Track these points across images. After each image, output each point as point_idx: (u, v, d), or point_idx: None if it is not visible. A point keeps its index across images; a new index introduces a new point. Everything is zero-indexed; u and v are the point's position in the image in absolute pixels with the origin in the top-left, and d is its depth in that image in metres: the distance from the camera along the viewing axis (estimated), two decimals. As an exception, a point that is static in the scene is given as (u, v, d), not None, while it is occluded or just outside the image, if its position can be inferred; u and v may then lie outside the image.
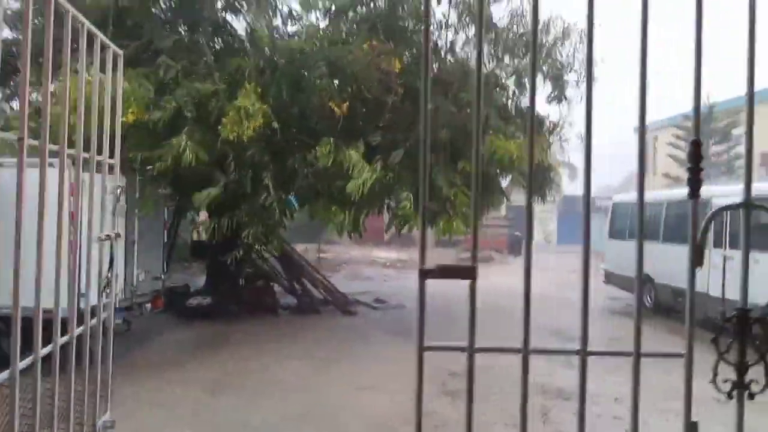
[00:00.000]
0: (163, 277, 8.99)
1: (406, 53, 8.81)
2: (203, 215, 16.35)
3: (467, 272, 1.62)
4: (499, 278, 19.07)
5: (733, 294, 10.00)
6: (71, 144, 2.11)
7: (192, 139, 7.39)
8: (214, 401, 6.26)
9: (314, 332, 10.04)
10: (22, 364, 1.79)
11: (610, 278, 14.84)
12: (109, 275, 2.51)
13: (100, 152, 2.36)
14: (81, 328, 2.24)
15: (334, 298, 12.56)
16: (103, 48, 2.35)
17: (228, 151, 7.93)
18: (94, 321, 2.37)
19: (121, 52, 2.52)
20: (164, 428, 5.29)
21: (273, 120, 7.78)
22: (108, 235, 2.45)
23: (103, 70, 2.35)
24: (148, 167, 7.43)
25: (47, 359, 1.96)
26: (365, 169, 7.86)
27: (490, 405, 6.35)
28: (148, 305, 8.47)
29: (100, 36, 2.23)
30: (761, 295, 8.91)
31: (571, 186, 19.93)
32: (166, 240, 9.30)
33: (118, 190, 2.57)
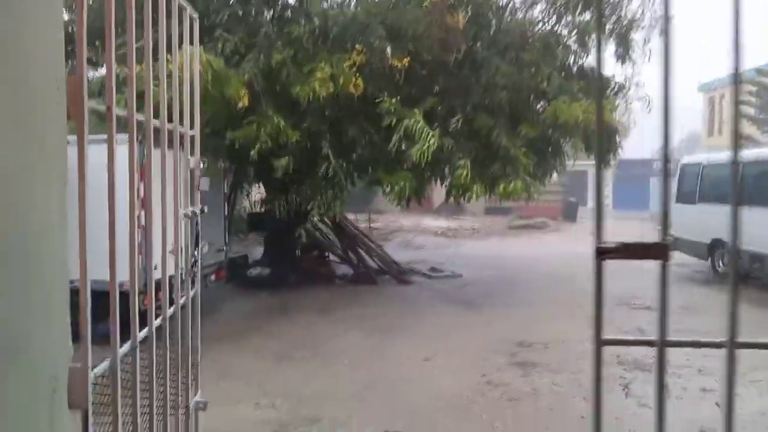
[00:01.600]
0: (225, 248, 9.11)
1: (461, 15, 8.36)
2: (257, 189, 16.66)
3: (658, 251, 1.33)
4: (558, 246, 18.65)
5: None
6: (155, 115, 1.99)
7: (280, 116, 7.37)
8: (283, 371, 6.33)
9: (373, 302, 10.02)
10: (121, 351, 1.70)
11: (676, 244, 14.12)
12: (196, 253, 2.43)
13: (182, 124, 2.25)
14: (173, 308, 2.17)
15: (389, 267, 12.50)
16: (179, 11, 2.20)
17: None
18: (183, 300, 2.30)
19: (196, 15, 2.37)
20: (241, 398, 5.37)
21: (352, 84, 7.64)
22: (194, 211, 2.36)
23: (179, 34, 2.21)
24: (251, 152, 7.45)
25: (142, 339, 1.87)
26: (429, 134, 7.61)
27: (564, 377, 6.14)
28: (213, 276, 8.63)
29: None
30: None
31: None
32: (226, 213, 9.40)
33: (201, 165, 2.45)
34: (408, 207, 10.46)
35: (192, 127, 2.40)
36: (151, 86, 1.87)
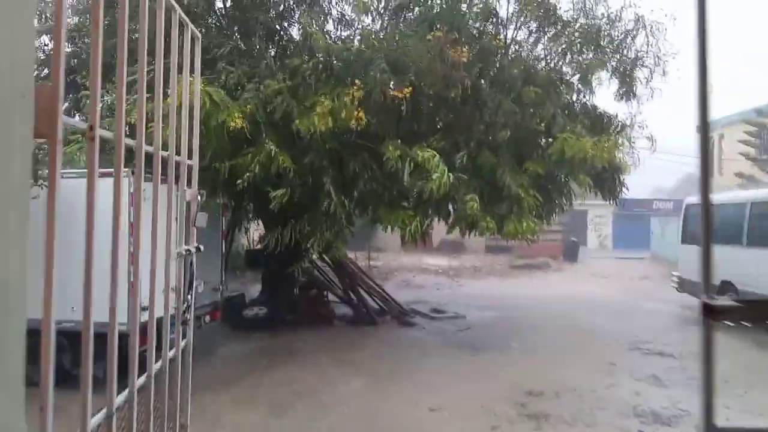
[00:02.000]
0: (221, 288, 8.77)
1: (466, 49, 8.30)
2: (255, 225, 16.38)
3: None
4: (562, 286, 18.28)
5: None
6: (148, 140, 1.74)
7: (273, 143, 7.19)
8: (279, 424, 5.90)
9: (373, 345, 9.61)
10: (118, 400, 1.41)
11: (683, 286, 13.78)
12: (190, 297, 2.14)
13: (179, 153, 2.00)
14: (172, 350, 1.87)
15: (390, 307, 12.12)
16: (179, 28, 1.98)
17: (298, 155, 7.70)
18: (172, 352, 2.00)
19: (199, 34, 2.16)
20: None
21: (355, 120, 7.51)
22: (188, 250, 2.09)
23: (179, 54, 1.99)
24: (238, 181, 7.24)
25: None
26: (442, 167, 7.41)
27: (579, 431, 5.73)
28: (207, 317, 8.26)
29: (179, 11, 1.86)
30: None
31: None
32: (223, 250, 9.09)
33: (199, 197, 2.19)
34: (425, 244, 10.18)
35: (190, 156, 2.16)
36: (144, 106, 1.63)
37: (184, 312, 2.11)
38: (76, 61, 8.95)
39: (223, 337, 9.53)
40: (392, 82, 7.82)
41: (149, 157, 1.81)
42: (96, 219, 1.37)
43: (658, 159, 11.95)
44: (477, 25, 9.37)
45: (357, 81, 7.61)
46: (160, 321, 1.99)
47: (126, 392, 1.57)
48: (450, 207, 8.70)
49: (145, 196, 1.89)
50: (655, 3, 10.41)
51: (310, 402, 6.51)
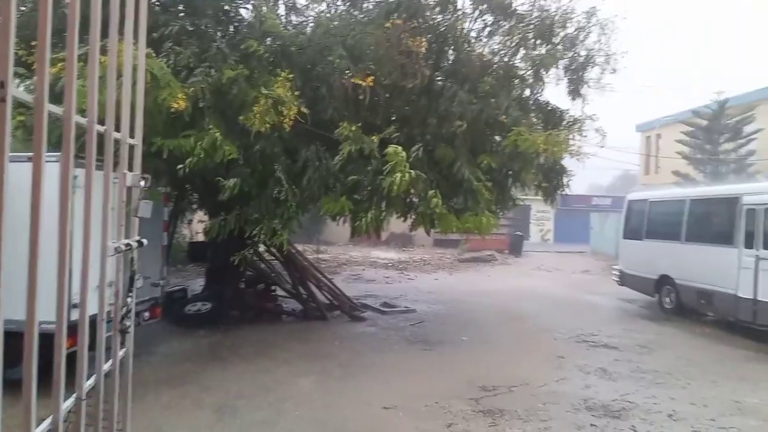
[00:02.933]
0: (161, 283, 8.23)
1: (425, 39, 8.11)
2: (198, 215, 15.69)
3: None
4: (508, 279, 18.58)
5: (765, 296, 9.47)
6: (81, 113, 1.42)
7: (219, 129, 6.70)
8: (225, 427, 5.55)
9: (324, 341, 9.33)
10: (66, 405, 1.13)
11: (624, 279, 14.30)
12: (130, 300, 1.82)
13: (118, 129, 1.68)
14: (92, 379, 1.56)
15: (340, 302, 11.86)
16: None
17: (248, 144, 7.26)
18: (108, 365, 1.68)
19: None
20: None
21: (305, 110, 7.12)
22: (128, 244, 1.77)
23: (121, 8, 1.66)
24: (179, 166, 6.71)
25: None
26: (403, 163, 7.17)
27: (535, 426, 5.70)
28: (147, 314, 7.72)
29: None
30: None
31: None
32: (165, 242, 8.53)
33: (142, 182, 1.87)
34: (379, 238, 9.95)
35: (132, 134, 1.83)
36: (75, 68, 1.31)
37: (123, 318, 1.79)
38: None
39: (164, 335, 8.99)
40: (349, 71, 7.52)
41: (81, 132, 1.49)
42: (16, 205, 1.07)
43: (595, 156, 12.22)
44: (435, 15, 9.19)
45: (283, 72, 7.19)
46: (93, 323, 1.67)
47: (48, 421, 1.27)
48: (405, 201, 8.51)
49: (77, 181, 1.56)
50: (608, 1, 10.59)
51: (257, 403, 6.18)
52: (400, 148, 7.36)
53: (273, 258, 12.12)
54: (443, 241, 26.81)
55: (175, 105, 6.28)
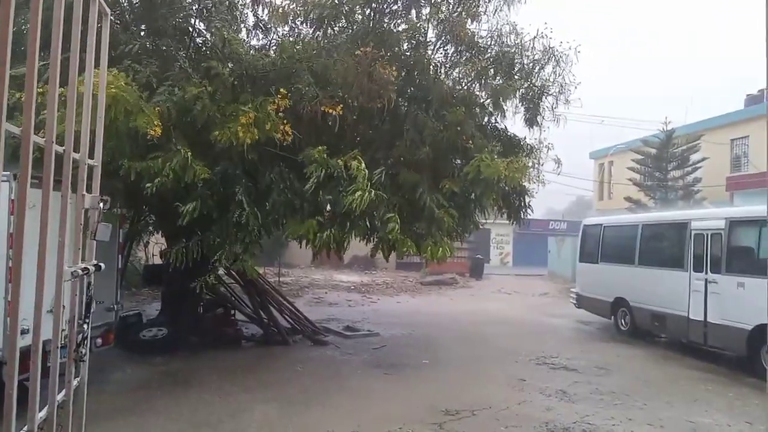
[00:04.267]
0: (116, 307, 7.92)
1: (394, 67, 8.26)
2: (155, 237, 15.26)
3: None
4: (470, 302, 18.74)
5: (714, 318, 9.86)
6: (36, 131, 1.37)
7: (187, 149, 6.59)
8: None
9: (286, 367, 9.14)
10: None
11: (581, 302, 14.63)
12: (86, 327, 1.75)
13: (77, 149, 1.63)
14: (45, 410, 1.48)
15: (302, 326, 11.68)
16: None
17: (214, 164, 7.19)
18: (61, 395, 1.60)
19: (108, 10, 1.80)
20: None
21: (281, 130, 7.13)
22: (86, 268, 1.71)
23: (82, 28, 1.63)
24: (147, 185, 6.54)
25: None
26: (367, 182, 7.20)
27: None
28: (99, 340, 7.40)
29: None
30: (751, 318, 8.91)
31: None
32: (119, 265, 8.24)
33: (101, 204, 1.81)
34: (340, 260, 9.90)
35: (92, 155, 1.79)
36: (35, 85, 1.27)
37: (79, 345, 1.71)
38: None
39: (117, 363, 8.61)
40: (319, 97, 7.58)
41: (38, 152, 1.44)
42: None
43: (552, 182, 12.59)
44: (402, 44, 9.38)
45: (282, 90, 7.28)
46: (46, 348, 1.59)
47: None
48: (367, 223, 8.53)
49: (31, 202, 1.50)
50: (563, 36, 11.05)
51: (217, 432, 5.97)
52: (363, 164, 7.41)
53: (233, 281, 11.87)
54: (406, 264, 26.92)
55: (152, 132, 6.19)
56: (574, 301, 14.96)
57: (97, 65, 1.84)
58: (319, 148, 7.55)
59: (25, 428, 1.39)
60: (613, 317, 13.19)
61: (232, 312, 11.43)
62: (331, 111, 7.46)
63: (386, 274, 27.22)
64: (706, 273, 10.26)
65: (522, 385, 8.28)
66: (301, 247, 9.23)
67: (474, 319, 14.91)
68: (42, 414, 1.49)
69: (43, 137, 1.44)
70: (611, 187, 29.74)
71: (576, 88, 11.09)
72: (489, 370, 9.27)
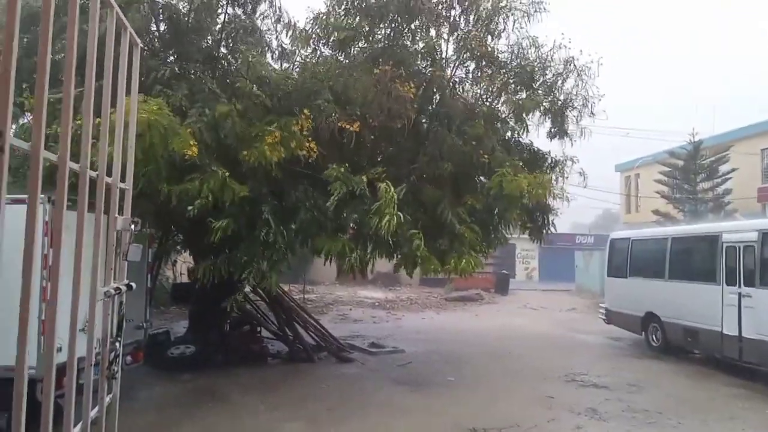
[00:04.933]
0: (144, 326, 8.07)
1: (412, 84, 8.35)
2: (183, 256, 15.54)
3: None
4: (496, 318, 18.51)
5: (749, 332, 9.56)
6: (73, 157, 1.45)
7: (221, 169, 6.79)
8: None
9: (311, 384, 9.15)
10: None
11: (610, 317, 14.33)
12: (118, 345, 1.81)
13: (110, 174, 1.71)
14: (95, 409, 1.54)
15: (327, 343, 11.70)
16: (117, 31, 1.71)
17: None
18: (94, 412, 1.66)
19: (138, 41, 1.89)
20: None
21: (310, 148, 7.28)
22: (118, 288, 1.77)
23: (115, 61, 1.71)
24: (188, 208, 6.74)
25: None
26: (395, 204, 7.25)
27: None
28: (128, 358, 7.54)
29: (117, 10, 1.61)
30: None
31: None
32: (149, 284, 8.42)
33: (132, 226, 1.88)
34: (353, 277, 9.93)
35: (123, 178, 1.86)
36: (71, 115, 1.35)
37: (111, 363, 1.77)
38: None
39: (146, 380, 8.74)
40: (337, 114, 7.70)
41: (73, 177, 1.52)
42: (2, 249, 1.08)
43: (578, 195, 12.44)
44: (420, 62, 9.49)
45: (305, 111, 7.43)
46: (79, 366, 1.65)
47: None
48: (390, 242, 8.56)
49: (66, 224, 1.57)
50: (584, 47, 11.01)
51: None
52: (392, 188, 7.46)
53: (259, 299, 11.99)
54: (429, 280, 26.71)
55: (189, 153, 6.39)
56: (603, 317, 14.67)
57: (128, 93, 1.92)
58: (335, 166, 7.64)
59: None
60: (643, 333, 12.87)
61: (258, 329, 11.52)
62: (348, 127, 7.55)
63: (410, 290, 27.12)
64: (740, 286, 9.97)
65: (550, 403, 8.12)
66: (325, 264, 9.29)
67: (500, 335, 14.73)
68: (76, 430, 1.54)
69: (78, 164, 1.52)
70: (638, 200, 29.20)
71: (600, 100, 11.02)
72: (516, 388, 9.13)
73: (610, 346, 13.52)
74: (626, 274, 13.67)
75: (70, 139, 1.37)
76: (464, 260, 8.29)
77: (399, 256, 8.51)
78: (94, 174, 1.59)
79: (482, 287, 25.90)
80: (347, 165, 7.75)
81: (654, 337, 12.52)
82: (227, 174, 6.76)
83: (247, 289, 10.54)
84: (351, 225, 8.13)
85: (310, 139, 7.28)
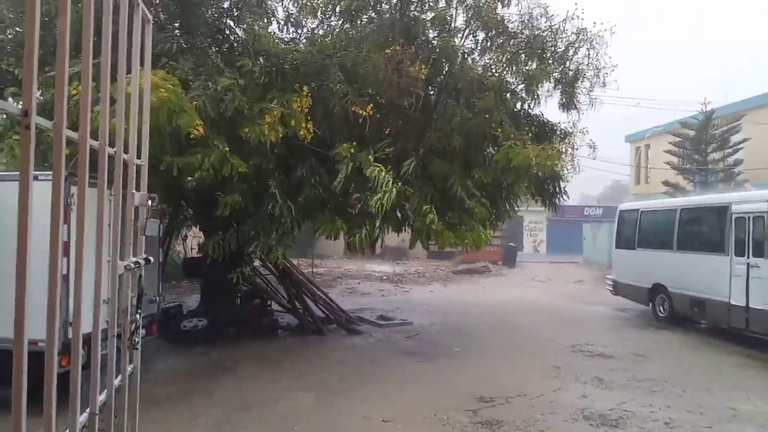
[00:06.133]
0: (157, 299, 8.22)
1: (423, 66, 8.26)
2: (193, 231, 15.67)
3: None
4: (503, 290, 18.64)
5: (756, 303, 9.55)
6: (92, 135, 1.47)
7: (225, 144, 6.80)
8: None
9: (320, 355, 9.33)
10: (81, 419, 1.18)
11: (617, 288, 14.39)
12: (138, 317, 1.87)
13: (126, 150, 1.74)
14: (104, 394, 1.60)
15: (336, 316, 11.86)
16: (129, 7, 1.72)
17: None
18: (118, 380, 1.72)
19: (150, 17, 1.90)
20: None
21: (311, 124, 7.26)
22: (137, 262, 1.82)
23: (128, 37, 1.72)
24: (188, 179, 6.79)
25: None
26: (389, 182, 7.25)
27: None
28: (143, 331, 7.69)
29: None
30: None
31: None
32: (161, 258, 8.53)
33: (149, 201, 1.92)
34: (373, 253, 10.03)
35: (139, 155, 1.89)
36: (90, 92, 1.37)
37: (132, 334, 1.84)
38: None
39: (160, 352, 8.94)
40: (349, 96, 7.65)
41: (92, 155, 1.54)
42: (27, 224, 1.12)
43: (587, 167, 12.35)
44: (429, 33, 9.35)
45: (305, 87, 7.38)
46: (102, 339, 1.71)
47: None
48: (398, 215, 8.57)
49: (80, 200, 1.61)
50: (596, 17, 10.78)
51: (256, 419, 6.17)
52: (381, 167, 7.46)
53: (268, 273, 12.12)
54: (437, 253, 26.87)
55: (196, 132, 6.41)
56: (611, 288, 14.74)
57: (141, 68, 1.94)
58: (346, 145, 7.63)
59: (87, 410, 1.50)
60: (650, 304, 12.94)
61: (268, 303, 11.69)
62: (362, 112, 7.53)
63: (418, 263, 27.28)
64: (748, 257, 9.96)
65: (557, 373, 8.25)
66: (328, 238, 9.35)
67: (507, 307, 14.86)
68: (101, 397, 1.60)
69: (97, 141, 1.54)
70: (648, 171, 28.96)
71: (613, 70, 10.86)
72: (523, 358, 9.26)
73: (617, 317, 13.61)
74: (634, 245, 13.67)
75: (89, 118, 1.40)
76: (475, 234, 8.33)
77: (409, 231, 8.55)
78: (111, 150, 1.62)
79: (490, 260, 25.98)
80: (354, 143, 7.74)
81: (661, 308, 12.58)
82: (227, 150, 6.78)
83: (257, 263, 10.69)
84: (358, 200, 8.15)
85: (308, 117, 7.25)
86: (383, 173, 7.33)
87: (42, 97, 5.82)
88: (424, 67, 7.87)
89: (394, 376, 8.09)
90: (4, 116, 6.62)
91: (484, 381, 7.75)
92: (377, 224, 7.92)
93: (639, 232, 13.57)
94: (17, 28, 8.03)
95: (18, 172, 1.11)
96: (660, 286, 12.55)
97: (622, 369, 8.46)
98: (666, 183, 23.20)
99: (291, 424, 6.00)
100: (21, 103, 1.11)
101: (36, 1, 1.13)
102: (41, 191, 1.20)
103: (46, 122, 1.19)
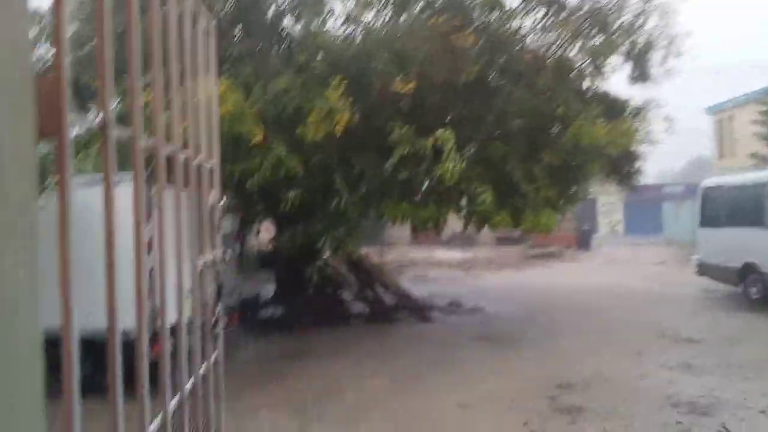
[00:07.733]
0: (236, 291, 8.64)
1: (471, 36, 8.06)
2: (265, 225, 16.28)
3: None
4: (578, 275, 18.04)
5: None
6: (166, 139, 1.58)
7: (282, 146, 7.04)
8: (304, 427, 5.76)
9: (393, 342, 9.46)
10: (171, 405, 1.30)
11: (703, 269, 13.54)
12: (219, 309, 1.99)
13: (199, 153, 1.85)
14: (204, 366, 1.74)
15: (407, 303, 11.97)
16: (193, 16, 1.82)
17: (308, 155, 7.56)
18: (202, 369, 1.85)
19: (214, 22, 1.99)
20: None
21: (356, 116, 7.35)
22: (215, 257, 1.94)
23: (192, 45, 1.82)
24: (248, 183, 7.14)
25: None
26: (451, 154, 7.21)
27: (616, 424, 5.55)
28: (224, 322, 8.12)
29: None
30: None
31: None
32: (237, 252, 8.97)
33: (222, 201, 2.04)
34: (426, 236, 10.08)
35: (211, 156, 2.00)
36: (163, 101, 1.47)
37: (214, 326, 1.96)
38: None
39: (239, 340, 9.40)
40: (394, 76, 7.63)
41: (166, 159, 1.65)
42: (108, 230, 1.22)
43: (664, 143, 11.68)
44: (484, 15, 9.14)
45: (341, 80, 7.38)
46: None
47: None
48: (460, 195, 8.48)
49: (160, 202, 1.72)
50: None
51: (334, 403, 6.37)
52: (452, 137, 7.38)
53: (340, 263, 12.40)
54: (506, 239, 26.38)
55: (256, 140, 6.68)
56: (696, 269, 13.90)
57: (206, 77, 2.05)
58: (397, 128, 7.61)
59: (177, 397, 1.63)
60: (741, 285, 12.09)
61: (340, 292, 11.98)
62: (402, 89, 7.47)
63: (487, 250, 26.90)
64: None
65: (640, 358, 7.92)
66: (394, 224, 9.40)
67: (584, 291, 14.38)
68: (188, 385, 1.73)
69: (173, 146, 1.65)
70: (733, 144, 26.92)
71: (686, 38, 10.21)
72: (603, 343, 8.94)
73: (704, 299, 12.84)
74: (721, 223, 12.79)
75: (164, 125, 1.50)
76: (537, 217, 8.13)
77: (466, 213, 8.47)
78: (186, 154, 1.73)
79: (563, 244, 25.21)
80: (408, 126, 7.70)
81: (754, 288, 11.72)
82: (283, 153, 6.97)
83: (327, 255, 10.98)
84: (422, 185, 8.13)
85: (347, 111, 7.25)
86: (451, 142, 7.27)
87: (120, 105, 6.22)
88: (471, 36, 7.66)
89: (468, 361, 8.07)
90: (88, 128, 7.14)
91: (562, 366, 7.57)
92: (440, 202, 7.88)
93: (726, 209, 12.68)
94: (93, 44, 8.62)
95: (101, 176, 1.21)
96: (752, 266, 11.69)
97: (711, 354, 7.99)
98: (754, 155, 21.48)
99: (368, 409, 6.15)
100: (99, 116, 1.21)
101: (107, 21, 1.21)
102: (122, 194, 1.29)
103: (123, 132, 1.28)
